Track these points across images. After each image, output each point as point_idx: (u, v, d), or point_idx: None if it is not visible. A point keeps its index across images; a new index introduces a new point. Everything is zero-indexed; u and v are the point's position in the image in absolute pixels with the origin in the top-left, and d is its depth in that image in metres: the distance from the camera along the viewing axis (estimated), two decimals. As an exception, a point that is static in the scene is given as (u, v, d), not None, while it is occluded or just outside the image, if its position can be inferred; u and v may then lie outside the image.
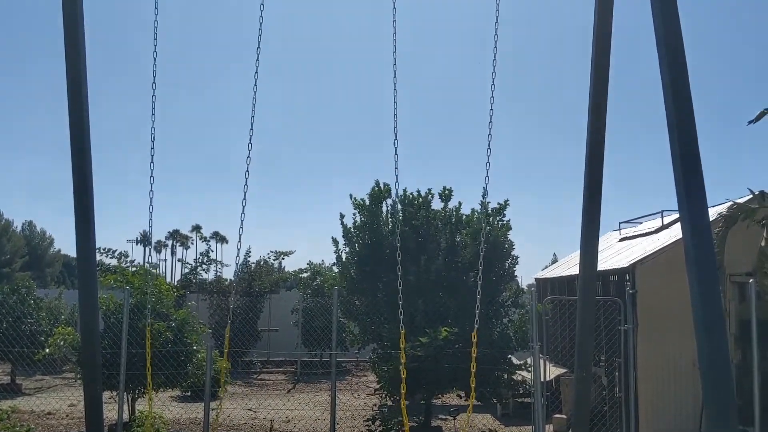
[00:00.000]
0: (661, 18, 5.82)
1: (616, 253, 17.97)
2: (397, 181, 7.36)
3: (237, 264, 27.24)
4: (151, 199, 7.52)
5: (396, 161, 7.14)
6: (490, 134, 7.09)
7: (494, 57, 7.22)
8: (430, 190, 15.66)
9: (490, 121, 7.13)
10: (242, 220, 7.46)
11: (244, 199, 7.17)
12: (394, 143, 7.12)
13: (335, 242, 15.82)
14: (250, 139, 7.27)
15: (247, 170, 7.18)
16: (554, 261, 68.78)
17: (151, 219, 7.62)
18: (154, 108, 7.52)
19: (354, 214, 15.70)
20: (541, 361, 13.18)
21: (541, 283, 22.02)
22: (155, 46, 7.42)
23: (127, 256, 21.67)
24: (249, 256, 27.50)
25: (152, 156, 7.46)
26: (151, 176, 7.45)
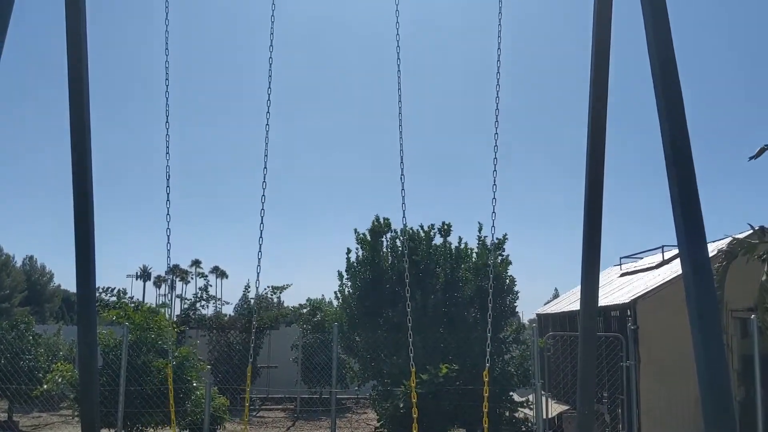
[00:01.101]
0: (658, 63, 5.91)
1: (617, 288, 17.92)
2: (404, 216, 7.41)
3: (251, 304, 27.05)
4: (168, 237, 7.52)
5: (403, 196, 7.20)
6: (495, 171, 7.14)
7: (497, 95, 7.30)
8: (432, 225, 15.73)
9: (495, 157, 7.18)
10: (259, 270, 7.44)
11: (261, 237, 7.16)
12: (401, 178, 7.18)
13: (340, 276, 15.90)
14: (264, 178, 7.30)
15: (262, 209, 7.20)
16: (555, 296, 68.43)
17: (169, 258, 7.60)
18: (168, 148, 7.56)
19: (356, 249, 15.79)
20: (543, 399, 13.06)
21: (542, 318, 21.93)
22: (167, 86, 7.50)
23: (125, 293, 21.65)
24: (248, 291, 27.43)
25: (168, 194, 7.48)
26: (167, 214, 7.45)
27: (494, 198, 7.06)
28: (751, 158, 12.40)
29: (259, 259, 7.31)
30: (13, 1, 6.03)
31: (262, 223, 7.18)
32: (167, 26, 7.57)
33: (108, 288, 21.63)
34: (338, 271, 15.88)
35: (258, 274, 7.36)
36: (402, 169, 7.13)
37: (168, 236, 7.50)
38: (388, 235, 15.72)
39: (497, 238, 15.39)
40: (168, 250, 7.56)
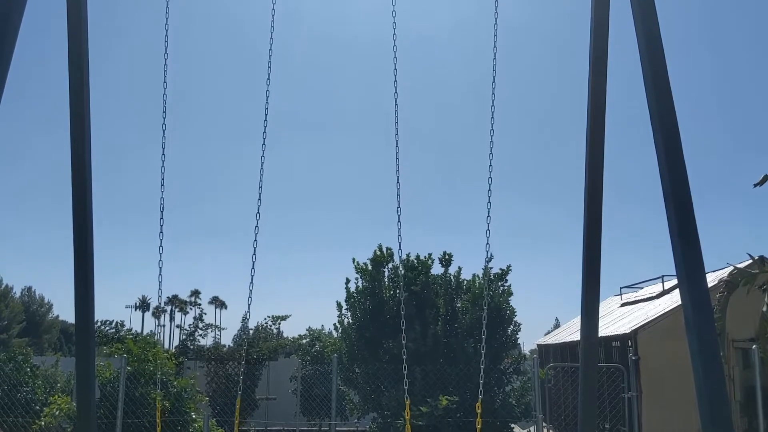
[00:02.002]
0: (654, 94, 5.96)
1: (617, 318, 17.86)
2: (400, 248, 7.40)
3: (249, 334, 26.89)
4: (160, 269, 7.51)
5: (399, 228, 7.21)
6: (489, 203, 7.16)
7: (491, 128, 7.35)
8: (429, 255, 15.72)
9: (489, 189, 7.21)
10: (250, 296, 7.42)
11: (253, 268, 7.14)
12: (397, 211, 7.20)
13: (339, 306, 15.83)
14: (258, 209, 7.32)
15: (255, 240, 7.19)
16: (557, 326, 68.05)
17: (160, 290, 7.58)
18: (163, 179, 7.60)
19: (356, 279, 15.75)
20: (545, 431, 12.94)
21: (543, 349, 21.81)
22: (164, 118, 7.58)
23: (123, 325, 21.58)
24: (246, 322, 27.29)
25: (161, 226, 7.49)
26: (160, 246, 7.46)
27: (488, 230, 7.10)
28: (755, 185, 12.40)
29: (251, 290, 7.29)
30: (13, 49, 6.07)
31: (254, 254, 7.16)
32: (166, 60, 7.66)
33: (106, 321, 21.58)
34: (337, 301, 15.83)
35: (249, 305, 7.34)
36: (398, 201, 7.15)
37: (160, 268, 7.50)
38: (390, 265, 15.70)
39: (500, 269, 15.39)
40: (159, 282, 7.54)
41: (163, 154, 7.64)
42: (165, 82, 7.66)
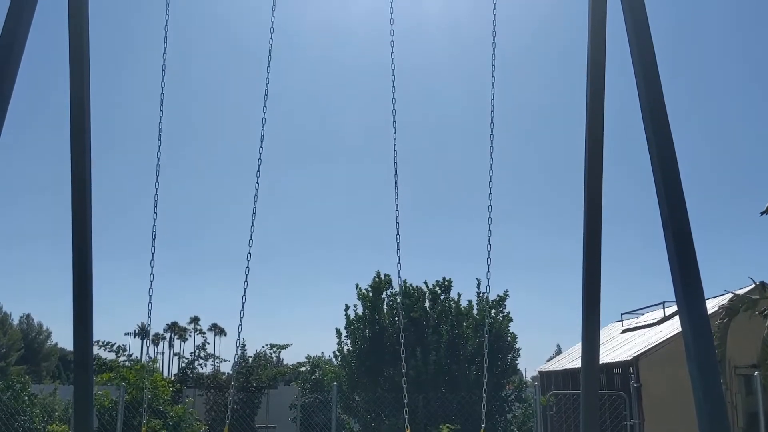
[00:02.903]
0: (652, 123, 6.01)
1: (619, 345, 17.78)
2: (399, 275, 7.39)
3: (248, 362, 26.64)
4: (150, 297, 7.49)
5: (398, 256, 7.20)
6: (489, 230, 7.17)
7: (491, 151, 7.39)
8: (437, 282, 15.72)
9: (489, 217, 7.23)
10: (241, 317, 7.39)
11: (244, 295, 7.12)
12: (396, 239, 7.21)
13: (339, 334, 15.76)
14: (251, 236, 7.31)
15: (248, 267, 7.17)
16: (558, 352, 67.67)
17: (149, 317, 7.57)
18: (156, 206, 7.62)
19: (356, 306, 15.72)
20: (547, 459, 12.82)
21: (544, 376, 21.68)
22: (159, 146, 7.62)
23: (124, 350, 21.44)
24: (245, 350, 27.11)
25: (152, 254, 7.50)
26: (151, 273, 7.45)
27: (488, 258, 7.09)
28: (762, 213, 12.39)
29: (241, 318, 7.24)
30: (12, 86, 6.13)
31: (246, 281, 7.14)
32: (163, 88, 7.73)
33: (107, 342, 21.38)
34: (336, 328, 15.77)
35: (239, 333, 7.27)
36: (397, 229, 7.16)
37: (150, 296, 7.45)
38: (389, 291, 15.68)
39: (498, 295, 15.35)
40: (149, 310, 7.50)
41: (157, 180, 7.66)
42: (161, 110, 7.71)
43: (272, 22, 7.78)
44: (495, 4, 7.73)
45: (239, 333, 7.27)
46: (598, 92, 7.75)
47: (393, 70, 7.69)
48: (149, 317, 7.55)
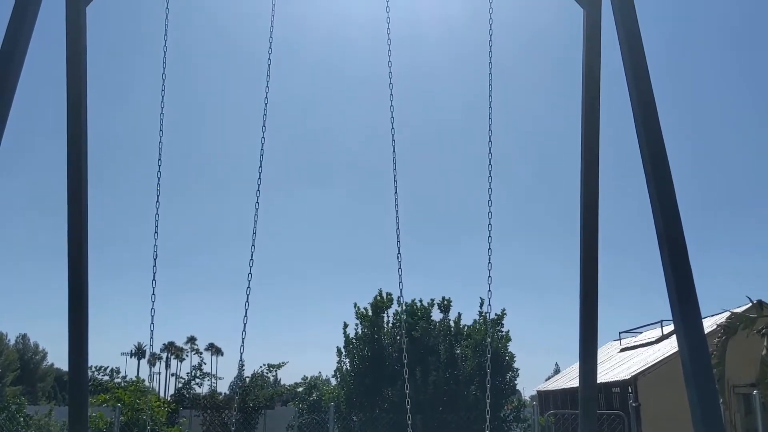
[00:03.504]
0: (646, 141, 6.04)
1: (617, 364, 17.70)
2: (401, 295, 7.37)
3: (246, 382, 26.50)
4: (152, 316, 7.45)
5: (400, 274, 7.19)
6: (489, 249, 7.17)
7: (489, 172, 7.41)
8: (432, 300, 15.68)
9: (489, 236, 7.23)
10: (243, 341, 7.35)
11: (245, 316, 7.07)
12: (398, 257, 7.19)
13: (339, 352, 15.68)
14: (252, 255, 7.29)
15: (248, 287, 7.14)
16: (557, 371, 67.39)
17: (151, 338, 7.51)
18: (157, 224, 7.61)
19: (356, 324, 15.65)
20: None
21: (543, 395, 21.58)
22: (159, 166, 7.62)
23: (119, 372, 21.32)
24: (243, 370, 26.95)
25: (154, 273, 7.47)
26: (153, 294, 7.42)
27: (489, 276, 7.07)
28: None
29: (243, 338, 7.22)
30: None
31: (247, 302, 7.10)
32: (162, 109, 7.75)
33: (101, 367, 21.29)
34: (337, 347, 15.68)
35: (241, 354, 7.23)
36: (398, 247, 7.15)
37: (152, 316, 7.42)
38: (390, 311, 15.64)
39: (496, 314, 15.32)
40: (151, 330, 7.46)
41: (157, 200, 7.67)
42: (161, 131, 7.73)
43: (270, 44, 7.83)
44: (491, 15, 7.80)
45: (240, 354, 7.21)
46: (593, 112, 7.79)
47: (391, 89, 7.73)
48: (151, 338, 7.52)
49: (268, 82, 7.72)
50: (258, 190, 7.38)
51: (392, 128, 7.61)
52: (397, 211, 7.44)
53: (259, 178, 7.43)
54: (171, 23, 7.92)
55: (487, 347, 9.10)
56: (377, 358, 15.01)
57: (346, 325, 15.76)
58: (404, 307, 15.24)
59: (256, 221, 7.32)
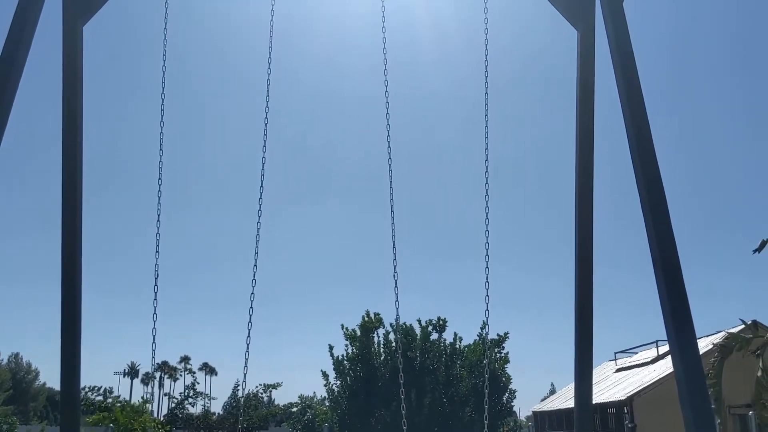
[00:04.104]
0: (641, 164, 6.07)
1: (612, 384, 17.64)
2: (397, 315, 7.35)
3: (240, 402, 26.42)
4: (154, 336, 7.41)
5: (396, 294, 7.18)
6: (487, 268, 7.17)
7: (486, 193, 7.42)
8: (429, 321, 15.63)
9: (486, 254, 7.23)
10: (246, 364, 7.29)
11: (248, 336, 7.03)
12: (394, 276, 7.19)
13: (325, 375, 15.54)
14: (254, 275, 7.26)
15: (251, 307, 7.11)
16: (552, 391, 67.07)
17: (153, 357, 7.47)
18: (158, 245, 7.58)
19: (346, 345, 15.56)
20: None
21: (538, 416, 21.46)
22: (159, 186, 7.62)
23: (111, 392, 21.18)
24: (237, 390, 26.79)
25: (155, 293, 7.43)
26: (154, 313, 7.38)
27: (487, 295, 7.07)
28: (755, 251, 12.41)
29: (246, 360, 7.16)
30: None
31: (250, 322, 7.08)
32: (162, 129, 7.76)
33: (93, 387, 21.13)
34: (322, 370, 15.52)
35: (244, 375, 7.18)
36: (395, 266, 7.14)
37: (153, 335, 7.38)
38: (380, 331, 15.57)
39: (498, 334, 15.28)
40: (153, 350, 7.43)
41: (158, 222, 7.65)
42: (161, 150, 7.73)
43: (269, 64, 7.86)
44: (486, 36, 7.86)
45: (244, 375, 7.15)
46: (588, 132, 7.83)
47: (387, 108, 7.78)
48: (153, 357, 7.49)
49: (267, 102, 7.76)
50: (259, 210, 7.40)
51: (389, 148, 7.64)
52: (393, 230, 7.44)
53: (260, 198, 7.44)
54: (169, 43, 7.96)
55: (485, 368, 9.04)
56: (369, 379, 14.92)
57: (331, 347, 15.63)
58: (399, 327, 15.18)
59: (258, 241, 7.32)
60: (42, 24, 6.71)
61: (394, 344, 15.13)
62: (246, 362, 6.93)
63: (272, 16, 7.87)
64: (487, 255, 7.31)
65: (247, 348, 6.93)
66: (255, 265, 7.25)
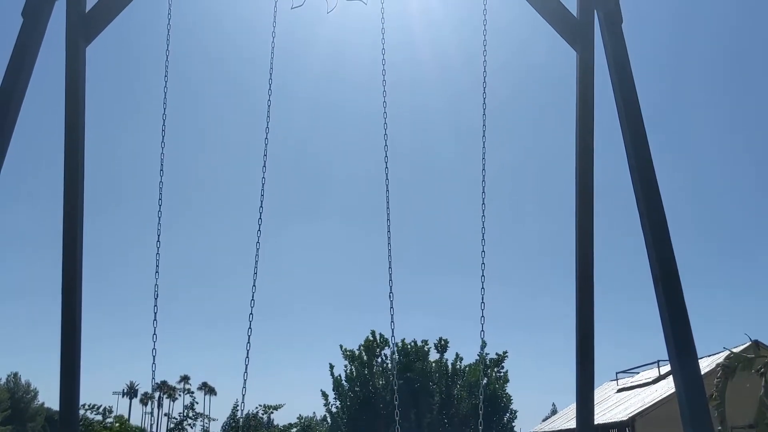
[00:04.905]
0: (640, 182, 6.09)
1: (614, 404, 17.53)
2: (393, 336, 7.32)
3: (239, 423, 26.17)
4: (154, 357, 7.37)
5: (392, 315, 7.15)
6: (482, 288, 7.15)
7: (483, 213, 7.42)
8: (425, 341, 15.58)
9: (482, 275, 7.22)
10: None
11: (247, 357, 7.01)
12: (390, 296, 7.17)
13: (324, 395, 15.44)
14: (252, 296, 7.26)
15: (249, 327, 7.09)
16: (554, 411, 66.58)
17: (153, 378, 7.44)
18: (158, 265, 7.57)
19: (346, 365, 15.48)
20: None
21: (540, 437, 21.31)
22: (160, 206, 7.62)
23: (111, 411, 21.01)
24: (237, 410, 26.63)
25: (155, 313, 7.41)
26: (154, 334, 7.35)
27: (482, 316, 7.04)
28: None
29: (245, 379, 7.14)
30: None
31: (248, 343, 7.05)
32: (163, 148, 7.79)
33: (93, 405, 20.94)
34: (322, 390, 15.39)
35: (243, 396, 7.15)
36: (390, 286, 7.13)
37: (153, 356, 7.35)
38: (384, 351, 15.49)
39: (497, 353, 15.22)
40: (153, 371, 7.39)
41: (159, 240, 7.65)
42: (161, 171, 7.74)
43: (269, 85, 7.91)
44: (485, 57, 7.91)
45: (243, 395, 7.12)
46: (587, 152, 7.85)
47: (385, 129, 7.81)
48: (153, 378, 7.46)
49: (267, 123, 7.80)
50: (259, 230, 7.39)
51: (386, 168, 7.65)
52: (389, 249, 7.44)
53: (260, 218, 7.44)
54: (171, 64, 8.01)
55: (481, 388, 8.99)
56: (370, 400, 14.83)
57: (332, 367, 15.52)
58: (396, 347, 15.12)
59: (257, 262, 7.31)
60: (44, 43, 6.77)
61: (388, 363, 15.05)
62: (245, 383, 6.92)
63: (273, 38, 7.92)
64: (483, 276, 7.31)
65: (246, 369, 6.91)
66: (254, 286, 7.25)
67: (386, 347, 15.49)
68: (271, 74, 7.88)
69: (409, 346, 15.42)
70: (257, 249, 7.39)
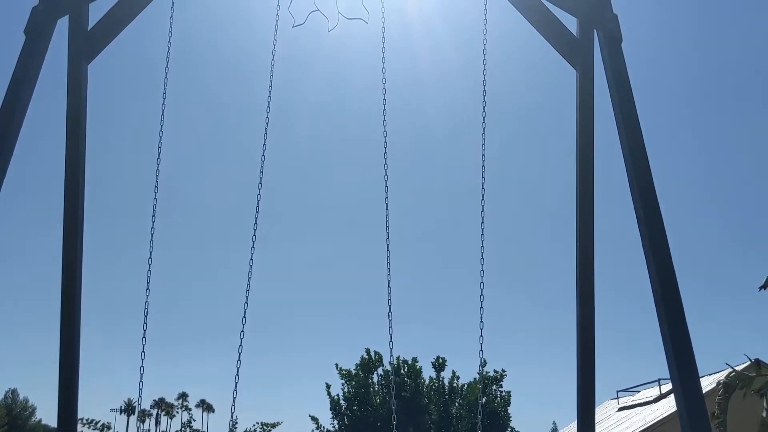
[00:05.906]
0: (640, 200, 6.09)
1: (615, 424, 17.42)
2: (391, 355, 7.29)
3: None
4: (141, 375, 7.32)
5: (390, 333, 7.13)
6: (482, 307, 7.13)
7: (482, 232, 7.41)
8: (415, 359, 15.49)
9: (481, 294, 7.20)
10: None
11: (237, 375, 6.97)
12: (388, 315, 7.15)
13: (314, 419, 15.22)
14: (245, 313, 7.23)
15: (240, 345, 7.06)
16: (554, 430, 66.06)
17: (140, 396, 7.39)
18: (149, 281, 7.55)
19: (342, 384, 15.36)
20: None
21: (540, 456, 21.16)
22: (153, 222, 7.61)
23: (109, 428, 20.91)
24: (235, 428, 26.47)
25: (144, 330, 7.37)
26: (143, 351, 7.31)
27: (481, 336, 7.02)
28: (761, 288, 12.28)
29: (234, 398, 7.10)
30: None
31: (239, 360, 7.01)
32: (158, 166, 7.77)
33: (91, 420, 20.85)
34: (310, 415, 15.15)
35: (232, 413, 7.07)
36: (389, 306, 7.10)
37: (141, 374, 7.29)
38: (380, 370, 15.39)
39: (495, 370, 15.14)
40: (140, 389, 7.33)
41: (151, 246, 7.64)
42: (156, 188, 7.73)
43: (269, 102, 7.92)
44: (485, 77, 7.94)
45: (232, 413, 7.07)
46: (587, 169, 7.86)
47: (385, 147, 7.83)
48: (140, 397, 7.39)
49: (265, 139, 7.80)
50: (252, 247, 7.38)
51: (386, 186, 7.66)
52: (388, 264, 7.42)
53: (254, 235, 7.43)
54: (170, 83, 8.03)
55: (480, 407, 8.95)
56: (367, 419, 14.71)
57: (328, 386, 15.38)
58: (394, 367, 15.04)
59: (249, 279, 7.29)
60: (46, 59, 6.81)
61: (386, 382, 14.95)
62: (234, 401, 6.88)
63: (273, 56, 7.95)
64: (482, 295, 7.27)
65: (236, 387, 6.87)
66: (246, 303, 7.22)
67: (381, 365, 15.36)
68: (269, 91, 7.90)
69: (404, 365, 15.31)
70: (250, 266, 7.36)
